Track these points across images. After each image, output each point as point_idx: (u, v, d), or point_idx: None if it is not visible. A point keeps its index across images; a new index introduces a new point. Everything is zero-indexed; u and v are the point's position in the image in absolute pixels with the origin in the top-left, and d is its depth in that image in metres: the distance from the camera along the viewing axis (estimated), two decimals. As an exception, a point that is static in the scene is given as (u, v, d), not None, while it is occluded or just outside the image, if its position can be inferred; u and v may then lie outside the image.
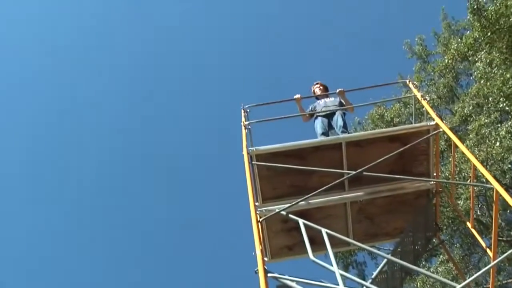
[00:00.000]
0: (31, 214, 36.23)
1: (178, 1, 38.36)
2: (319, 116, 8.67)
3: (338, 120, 8.52)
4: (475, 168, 7.13)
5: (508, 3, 13.90)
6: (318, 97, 9.21)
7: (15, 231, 35.35)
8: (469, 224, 7.64)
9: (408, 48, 22.70)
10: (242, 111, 8.51)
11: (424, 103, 8.29)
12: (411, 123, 20.51)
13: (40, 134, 38.16)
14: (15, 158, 35.86)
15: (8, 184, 35.83)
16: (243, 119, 8.33)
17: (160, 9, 38.15)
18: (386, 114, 20.73)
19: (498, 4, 14.14)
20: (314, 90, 9.39)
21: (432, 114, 7.96)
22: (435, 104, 20.31)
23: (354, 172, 7.22)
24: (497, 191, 6.10)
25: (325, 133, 8.39)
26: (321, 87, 9.32)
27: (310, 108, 9.06)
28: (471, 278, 5.25)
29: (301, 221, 6.29)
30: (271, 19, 38.86)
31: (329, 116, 8.67)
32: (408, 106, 20.25)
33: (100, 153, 37.70)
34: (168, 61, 39.65)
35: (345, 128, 8.43)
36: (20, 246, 35.32)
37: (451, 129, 17.86)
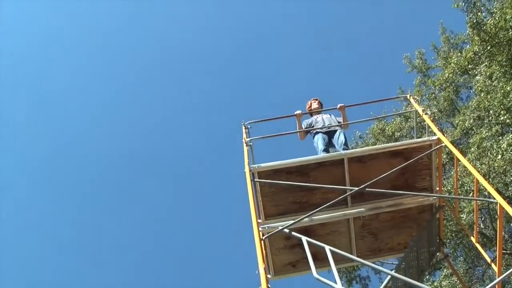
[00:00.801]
0: (31, 214, 36.11)
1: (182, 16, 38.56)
2: (320, 132, 8.66)
3: (339, 137, 8.52)
4: (477, 182, 7.11)
5: (507, 17, 13.96)
6: (312, 114, 9.23)
7: (15, 231, 35.23)
8: (473, 239, 7.60)
9: (408, 62, 22.78)
10: (243, 127, 8.50)
11: (425, 117, 8.29)
12: (413, 137, 20.59)
13: (40, 134, 38.16)
14: (14, 158, 35.88)
15: (8, 184, 35.74)
16: (244, 135, 8.32)
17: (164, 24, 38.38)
18: (387, 128, 20.75)
19: (497, 18, 14.21)
20: (311, 103, 9.38)
21: (434, 128, 7.96)
22: (436, 117, 20.33)
23: (356, 188, 7.20)
24: (501, 206, 6.07)
25: (326, 150, 8.38)
26: (316, 104, 9.32)
27: (305, 125, 9.04)
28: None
29: (304, 239, 6.25)
30: (270, 34, 39.03)
31: (330, 132, 8.67)
32: (409, 120, 20.28)
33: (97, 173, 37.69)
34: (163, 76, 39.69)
35: (346, 145, 8.42)
36: (20, 246, 35.16)
37: (452, 142, 17.91)
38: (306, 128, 8.94)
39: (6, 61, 34.61)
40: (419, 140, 7.98)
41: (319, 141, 8.55)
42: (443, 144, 7.71)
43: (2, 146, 35.64)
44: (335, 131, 8.66)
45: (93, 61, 38.17)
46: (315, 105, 9.31)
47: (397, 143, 8.05)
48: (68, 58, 37.72)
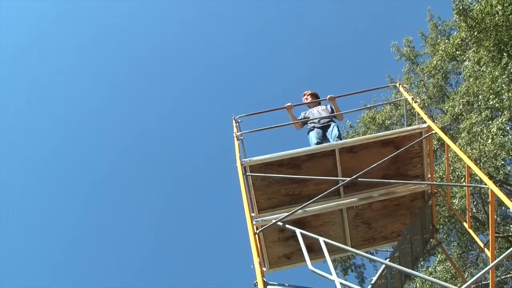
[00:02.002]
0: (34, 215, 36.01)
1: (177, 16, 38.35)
2: (315, 127, 8.65)
3: (333, 130, 8.53)
4: (469, 168, 7.14)
5: (493, 2, 13.98)
6: (309, 105, 9.22)
7: (16, 231, 35.14)
8: (466, 225, 7.65)
9: (396, 50, 22.80)
10: (234, 121, 8.48)
11: (415, 105, 8.31)
12: (403, 124, 20.61)
13: (40, 134, 37.99)
14: (14, 157, 35.72)
15: (9, 184, 35.61)
16: (235, 129, 8.30)
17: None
18: (377, 116, 20.79)
19: (483, 4, 14.22)
20: (305, 97, 9.38)
21: (424, 116, 7.98)
22: (426, 104, 20.40)
23: (348, 179, 7.22)
24: (492, 192, 6.11)
25: (319, 143, 8.38)
26: (309, 97, 9.32)
27: (302, 115, 9.07)
28: (470, 281, 5.24)
29: (298, 231, 6.26)
30: (257, 25, 38.94)
31: (324, 127, 8.66)
32: (399, 107, 20.34)
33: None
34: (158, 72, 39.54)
35: (339, 138, 8.42)
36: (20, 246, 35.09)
37: (443, 128, 17.98)
38: (302, 119, 8.92)
39: (5, 61, 34.46)
40: (409, 128, 8.00)
41: (313, 135, 8.57)
42: (433, 132, 7.74)
43: (2, 145, 35.50)
44: (329, 125, 8.65)
45: (93, 61, 38.01)
46: (308, 98, 9.29)
47: (388, 132, 8.05)
48: (68, 58, 37.56)
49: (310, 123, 8.78)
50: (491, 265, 5.94)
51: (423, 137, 7.79)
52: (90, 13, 37.25)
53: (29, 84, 37.22)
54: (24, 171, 36.31)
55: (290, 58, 38.87)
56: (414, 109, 8.46)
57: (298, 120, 8.91)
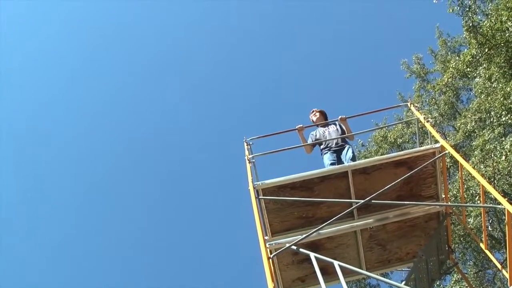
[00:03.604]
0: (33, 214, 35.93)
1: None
2: (328, 151, 8.54)
3: (347, 152, 8.42)
4: (484, 189, 7.05)
5: (503, 18, 13.96)
6: (318, 125, 9.06)
7: (15, 231, 35.06)
8: (482, 245, 7.53)
9: (406, 67, 22.79)
10: (245, 144, 8.45)
11: (427, 125, 8.24)
12: (415, 142, 20.45)
13: (39, 134, 38.08)
14: (14, 157, 35.77)
15: (8, 185, 35.63)
16: (246, 152, 8.27)
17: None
18: (389, 135, 20.72)
19: (493, 20, 14.20)
20: (311, 119, 9.31)
21: (437, 136, 7.92)
22: (438, 122, 20.30)
23: (362, 201, 7.15)
24: (508, 212, 6.02)
25: (333, 164, 8.30)
26: (317, 114, 9.19)
27: (311, 138, 8.91)
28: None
29: (312, 255, 6.19)
30: (270, 47, 39.09)
31: (339, 150, 8.57)
32: (411, 126, 20.25)
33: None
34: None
35: (353, 160, 8.32)
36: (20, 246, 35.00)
37: (455, 146, 17.86)
38: (313, 142, 8.83)
39: (5, 61, 34.74)
40: (422, 148, 7.92)
41: (326, 160, 8.45)
42: (446, 151, 7.66)
43: (2, 146, 35.64)
44: (343, 147, 8.54)
45: (93, 61, 38.10)
46: (314, 118, 9.18)
47: (401, 153, 7.98)
48: (67, 58, 37.71)
49: (323, 146, 8.69)
50: None
51: (436, 157, 7.71)
52: (90, 13, 37.43)
53: (29, 84, 37.37)
54: (24, 171, 36.30)
55: (299, 78, 38.95)
56: (426, 127, 8.40)
57: (309, 143, 8.82)
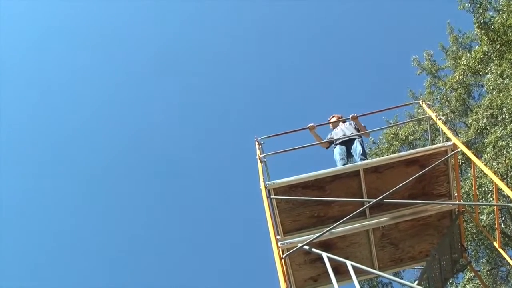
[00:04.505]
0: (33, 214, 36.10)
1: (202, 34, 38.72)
2: (338, 144, 8.66)
3: (357, 146, 8.51)
4: (497, 186, 7.00)
5: (515, 14, 13.86)
6: (334, 127, 9.26)
7: (15, 231, 35.24)
8: (496, 244, 7.48)
9: (417, 64, 22.66)
10: (256, 143, 8.46)
11: (439, 123, 8.19)
12: (426, 139, 20.35)
13: (39, 134, 38.24)
14: (14, 158, 35.94)
15: (9, 184, 35.77)
16: (258, 152, 8.27)
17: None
18: (400, 132, 20.63)
19: (504, 16, 14.09)
20: (331, 118, 9.46)
21: (449, 134, 7.87)
22: (449, 118, 20.18)
23: (374, 200, 7.13)
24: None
25: (344, 161, 8.36)
26: (335, 117, 9.44)
27: (327, 138, 9.12)
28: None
29: (324, 255, 6.18)
30: (280, 45, 39.02)
31: (348, 143, 8.65)
32: (422, 123, 20.15)
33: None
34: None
35: (363, 155, 8.39)
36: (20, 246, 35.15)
37: (467, 142, 17.74)
38: (328, 139, 8.98)
39: (5, 61, 34.92)
40: (434, 146, 7.88)
41: (337, 152, 8.61)
42: (459, 149, 7.62)
43: (2, 145, 35.80)
44: (353, 141, 8.65)
45: (93, 60, 38.05)
46: (334, 119, 9.38)
47: (412, 151, 7.94)
48: (67, 58, 37.72)
49: (335, 141, 8.80)
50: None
51: (449, 155, 7.67)
52: (90, 14, 37.42)
53: (29, 84, 37.49)
54: (23, 171, 36.41)
55: (310, 76, 38.83)
56: (438, 125, 8.36)
57: (325, 140, 8.89)
